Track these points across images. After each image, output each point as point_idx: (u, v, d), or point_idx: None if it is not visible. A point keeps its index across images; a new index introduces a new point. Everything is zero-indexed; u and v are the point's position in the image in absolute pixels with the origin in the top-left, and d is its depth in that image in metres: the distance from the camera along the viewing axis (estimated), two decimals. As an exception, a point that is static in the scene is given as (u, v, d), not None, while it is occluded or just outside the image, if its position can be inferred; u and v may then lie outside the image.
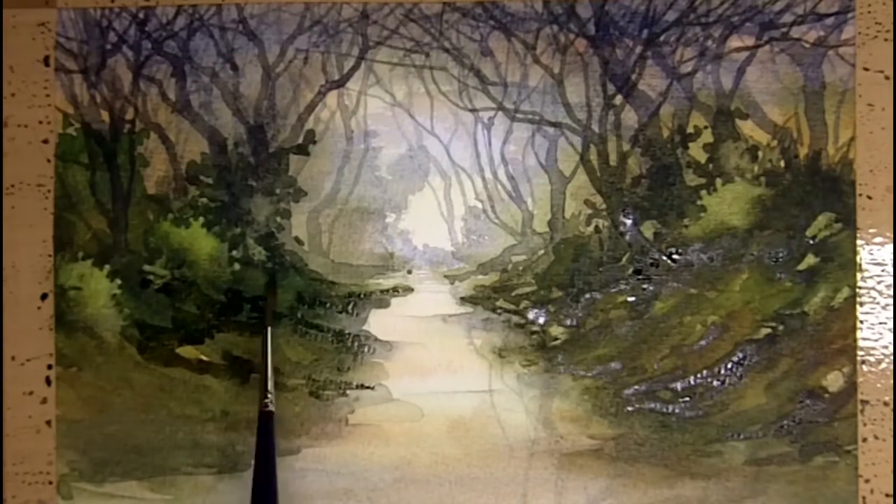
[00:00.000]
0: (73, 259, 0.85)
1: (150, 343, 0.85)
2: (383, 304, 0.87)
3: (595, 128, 0.85)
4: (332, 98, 0.86)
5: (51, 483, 0.84)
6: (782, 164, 0.84)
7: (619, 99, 0.85)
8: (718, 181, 0.84)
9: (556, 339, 0.85)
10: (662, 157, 0.85)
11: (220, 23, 0.86)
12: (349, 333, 0.86)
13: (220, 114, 0.86)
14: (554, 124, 0.86)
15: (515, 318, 0.86)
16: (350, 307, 0.86)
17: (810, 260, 0.83)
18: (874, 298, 0.82)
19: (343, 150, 0.87)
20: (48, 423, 0.84)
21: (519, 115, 0.86)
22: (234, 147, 0.86)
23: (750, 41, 0.84)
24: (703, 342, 0.84)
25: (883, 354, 0.82)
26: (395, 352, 0.86)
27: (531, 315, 0.86)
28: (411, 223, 0.87)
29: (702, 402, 0.83)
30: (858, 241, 0.82)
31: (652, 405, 0.84)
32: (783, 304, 0.83)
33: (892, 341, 0.82)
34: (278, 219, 0.86)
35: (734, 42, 0.84)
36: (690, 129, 0.85)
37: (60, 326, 0.85)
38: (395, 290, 0.87)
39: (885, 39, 0.82)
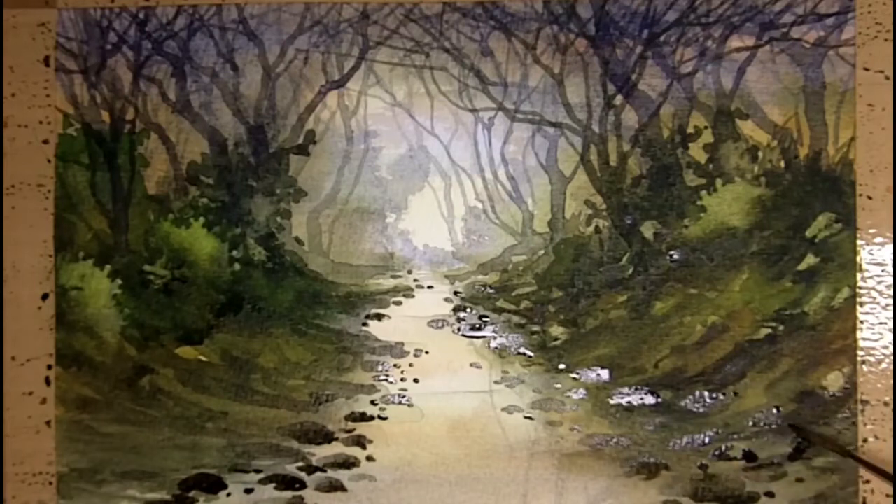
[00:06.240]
0: (74, 259, 0.85)
1: (149, 343, 0.85)
2: (383, 305, 0.87)
3: (595, 128, 0.85)
4: (332, 98, 0.87)
5: (50, 483, 0.84)
6: (782, 164, 0.84)
7: (619, 99, 0.85)
8: (718, 181, 0.85)
9: (556, 339, 0.85)
10: (662, 157, 0.85)
11: (221, 23, 0.86)
12: (349, 334, 0.86)
13: (221, 114, 0.86)
14: (554, 124, 0.86)
15: (515, 318, 0.86)
16: (350, 307, 0.86)
17: (810, 260, 0.83)
18: (874, 298, 0.82)
19: (343, 150, 0.87)
20: (48, 423, 0.84)
21: (519, 115, 0.86)
22: (235, 147, 0.86)
23: (750, 41, 0.84)
24: (703, 342, 0.84)
25: (883, 354, 0.82)
26: (395, 352, 0.86)
27: (531, 315, 0.86)
28: (411, 223, 0.87)
29: (702, 402, 0.83)
30: (858, 242, 0.82)
31: (652, 405, 0.83)
32: (783, 304, 0.83)
33: (892, 341, 0.82)
34: (278, 219, 0.86)
35: (734, 42, 0.84)
36: (690, 130, 0.85)
37: (61, 326, 0.85)
38: (395, 291, 0.87)
39: (886, 40, 0.82)
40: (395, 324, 0.86)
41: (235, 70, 0.86)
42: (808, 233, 0.84)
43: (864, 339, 0.82)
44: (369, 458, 0.84)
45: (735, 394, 0.83)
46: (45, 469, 0.84)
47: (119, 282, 0.86)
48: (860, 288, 0.82)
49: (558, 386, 0.85)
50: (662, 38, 0.85)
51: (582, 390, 0.84)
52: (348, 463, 0.84)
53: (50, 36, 0.86)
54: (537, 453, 0.84)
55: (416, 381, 0.85)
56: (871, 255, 0.82)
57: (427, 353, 0.86)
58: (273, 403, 0.85)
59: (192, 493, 0.84)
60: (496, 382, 0.85)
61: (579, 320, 0.85)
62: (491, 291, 0.86)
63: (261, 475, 0.84)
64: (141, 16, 0.86)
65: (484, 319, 0.86)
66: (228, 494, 0.84)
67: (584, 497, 0.83)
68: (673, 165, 0.85)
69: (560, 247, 0.86)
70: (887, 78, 0.82)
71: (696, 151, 0.85)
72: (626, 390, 0.84)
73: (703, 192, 0.85)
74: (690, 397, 0.83)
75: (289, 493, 0.83)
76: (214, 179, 0.86)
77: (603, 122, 0.85)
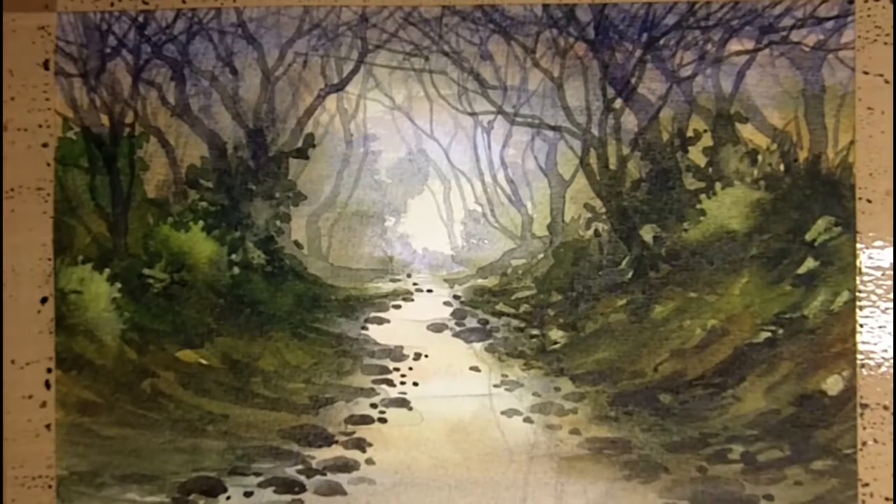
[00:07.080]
0: (73, 263, 0.85)
1: (150, 347, 0.85)
2: (383, 308, 0.87)
3: (595, 131, 0.85)
4: (331, 102, 0.87)
5: (50, 487, 0.84)
6: (782, 167, 0.84)
7: (618, 102, 0.85)
8: (718, 185, 0.84)
9: (555, 342, 0.85)
10: (662, 160, 0.85)
11: (220, 26, 0.86)
12: (349, 337, 0.86)
13: (220, 117, 0.86)
14: (553, 128, 0.86)
15: (515, 322, 0.86)
16: (349, 311, 0.86)
17: (810, 264, 0.83)
18: (874, 302, 0.82)
19: (342, 153, 0.87)
20: (48, 426, 0.84)
21: (518, 119, 0.86)
22: (234, 151, 0.87)
23: (750, 45, 0.84)
24: (702, 346, 0.84)
25: (882, 358, 0.82)
26: (395, 356, 0.86)
27: (531, 319, 0.86)
28: (411, 227, 0.87)
29: (701, 405, 0.83)
30: (858, 245, 0.82)
31: (651, 409, 0.83)
32: (783, 307, 0.83)
33: (891, 345, 0.82)
34: (278, 222, 0.86)
35: (734, 46, 0.84)
36: (690, 133, 0.85)
37: (60, 330, 0.85)
38: (394, 294, 0.87)
39: (885, 43, 0.82)
40: (395, 327, 0.86)
41: (234, 74, 0.86)
42: (808, 236, 0.83)
43: (863, 342, 0.82)
44: (369, 462, 0.84)
45: (734, 397, 0.83)
46: (45, 472, 0.84)
47: (118, 285, 0.86)
48: (860, 291, 0.82)
49: (558, 389, 0.85)
50: (662, 42, 0.84)
51: (581, 394, 0.84)
52: (348, 466, 0.84)
53: (50, 39, 0.86)
54: (537, 457, 0.84)
55: (415, 384, 0.85)
56: (871, 258, 0.82)
57: (426, 356, 0.86)
58: (273, 406, 0.85)
59: (191, 497, 0.84)
60: (495, 386, 0.85)
61: (579, 324, 0.85)
62: (490, 295, 0.86)
63: (260, 478, 0.84)
64: (140, 19, 0.86)
65: (484, 323, 0.86)
66: (228, 498, 0.84)
67: (583, 501, 0.83)
68: (672, 169, 0.85)
69: (559, 250, 0.86)
70: (887, 81, 0.82)
71: (696, 155, 0.85)
72: (625, 394, 0.84)
73: (703, 196, 0.85)
74: (690, 401, 0.83)
75: (288, 497, 0.84)
76: (214, 183, 0.86)
77: (602, 125, 0.85)
